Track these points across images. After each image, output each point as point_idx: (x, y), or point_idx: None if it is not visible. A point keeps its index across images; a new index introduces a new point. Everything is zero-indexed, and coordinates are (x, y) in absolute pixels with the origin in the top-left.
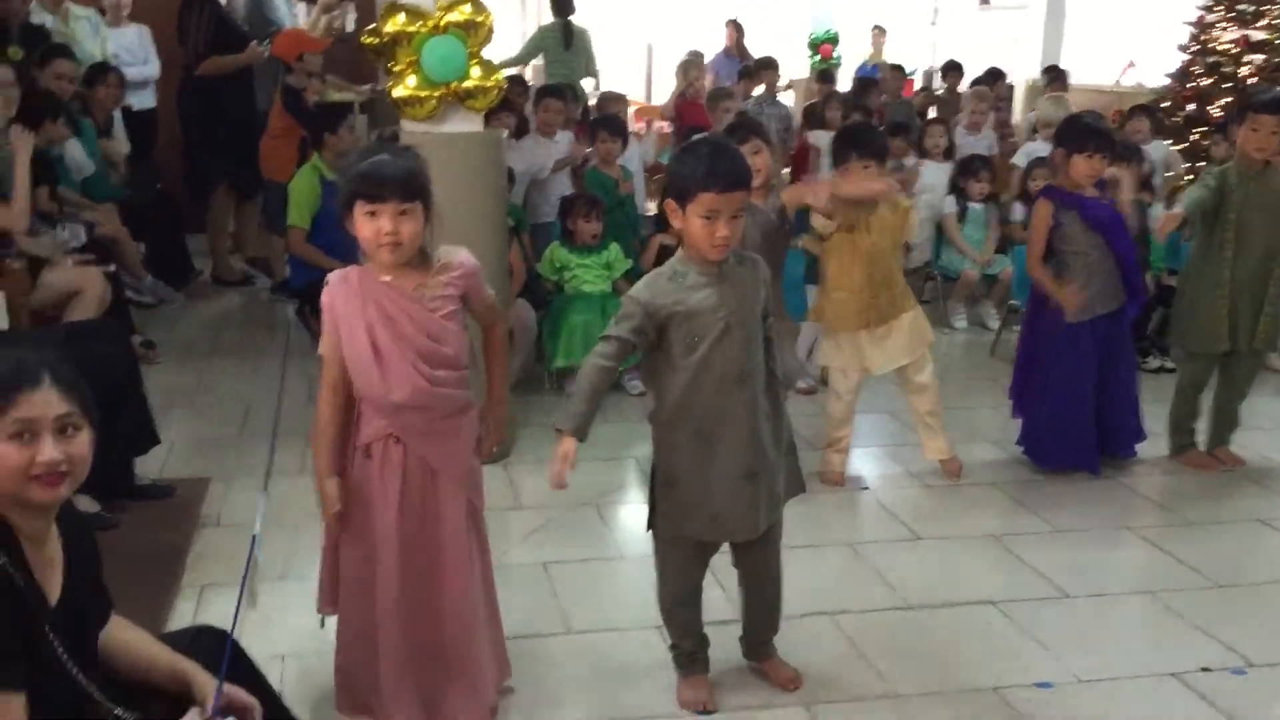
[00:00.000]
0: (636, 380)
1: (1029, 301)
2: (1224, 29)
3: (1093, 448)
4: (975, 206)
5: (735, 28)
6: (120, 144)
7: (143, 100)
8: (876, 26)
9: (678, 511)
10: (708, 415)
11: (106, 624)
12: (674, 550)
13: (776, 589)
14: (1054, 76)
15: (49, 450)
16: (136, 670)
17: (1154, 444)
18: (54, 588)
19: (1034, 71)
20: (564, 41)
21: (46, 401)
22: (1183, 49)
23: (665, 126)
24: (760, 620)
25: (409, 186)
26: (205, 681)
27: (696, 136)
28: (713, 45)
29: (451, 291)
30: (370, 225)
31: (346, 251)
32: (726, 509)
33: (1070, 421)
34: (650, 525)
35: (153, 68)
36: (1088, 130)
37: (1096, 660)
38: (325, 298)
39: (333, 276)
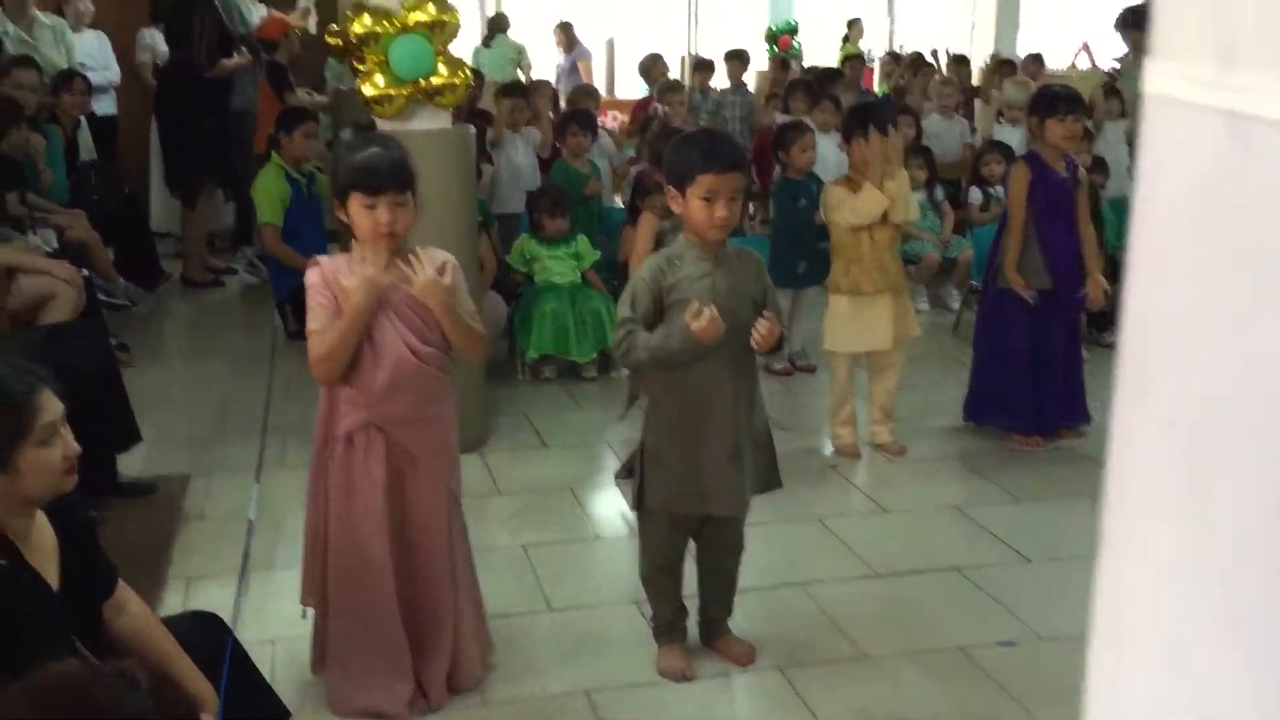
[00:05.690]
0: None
1: (985, 273)
2: None
3: (1028, 412)
4: (915, 195)
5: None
6: (86, 150)
7: (104, 107)
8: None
9: (667, 487)
10: (694, 395)
11: (114, 595)
12: (659, 523)
13: (736, 562)
14: (1004, 61)
15: (73, 442)
16: (150, 670)
17: (1106, 413)
18: (52, 573)
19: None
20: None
21: (53, 400)
22: None
23: (625, 121)
24: (717, 596)
25: (403, 178)
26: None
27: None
28: (673, 41)
29: None
30: (368, 217)
31: (316, 245)
32: (714, 486)
33: (1003, 384)
34: (637, 503)
35: (114, 73)
36: (1058, 96)
37: (1056, 619)
38: (315, 276)
39: (322, 258)
